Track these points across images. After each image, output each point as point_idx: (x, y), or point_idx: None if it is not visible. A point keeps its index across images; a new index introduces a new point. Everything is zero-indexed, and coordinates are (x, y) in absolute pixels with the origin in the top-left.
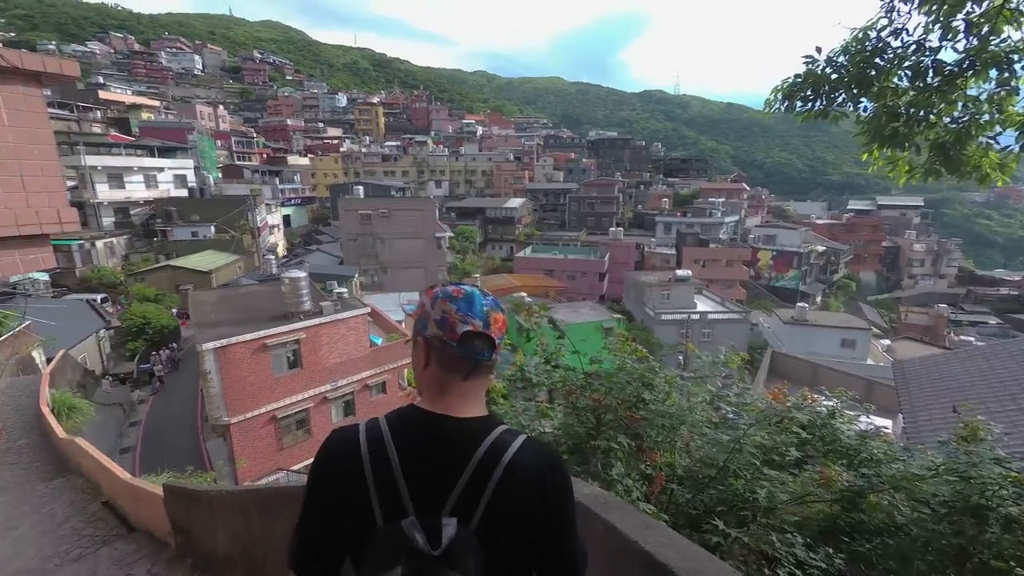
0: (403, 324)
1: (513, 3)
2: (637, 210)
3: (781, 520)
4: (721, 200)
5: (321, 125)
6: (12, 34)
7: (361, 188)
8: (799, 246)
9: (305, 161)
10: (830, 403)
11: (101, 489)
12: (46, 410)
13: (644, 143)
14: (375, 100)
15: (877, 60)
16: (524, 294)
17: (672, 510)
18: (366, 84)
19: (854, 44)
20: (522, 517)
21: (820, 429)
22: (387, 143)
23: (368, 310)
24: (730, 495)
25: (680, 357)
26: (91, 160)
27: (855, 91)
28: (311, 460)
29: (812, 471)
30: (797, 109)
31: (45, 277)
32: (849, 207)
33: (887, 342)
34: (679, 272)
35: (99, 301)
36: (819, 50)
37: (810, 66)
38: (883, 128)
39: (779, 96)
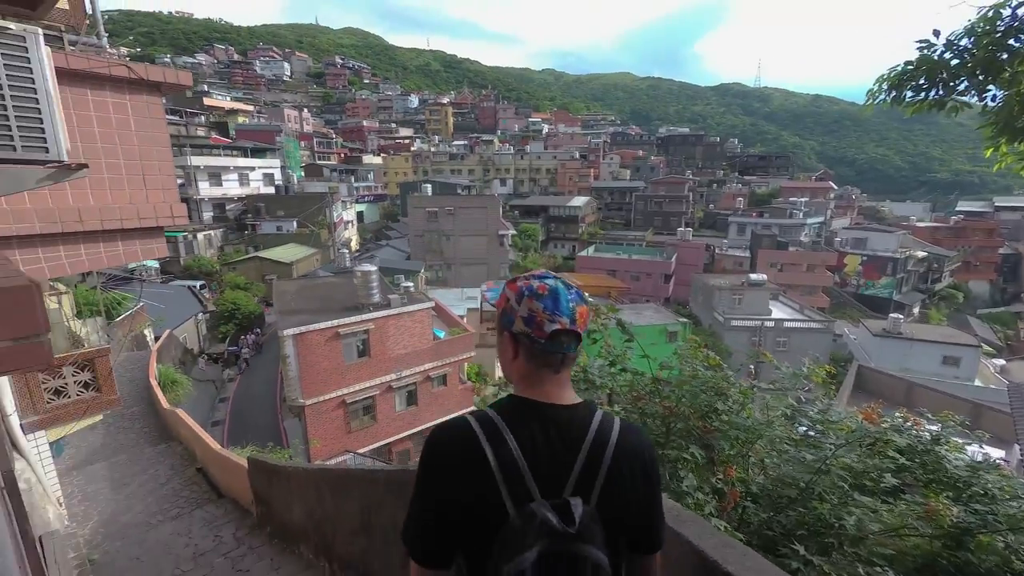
0: (464, 319)
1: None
2: (708, 210)
3: (870, 552)
4: (804, 200)
5: (394, 126)
6: (137, 49)
7: (429, 186)
8: (894, 251)
9: (378, 160)
10: (933, 427)
11: (196, 457)
12: (154, 383)
13: (718, 139)
14: (445, 101)
15: (1011, 42)
16: (586, 294)
17: (745, 529)
18: (437, 85)
19: (982, 24)
20: (629, 493)
21: (922, 456)
22: (455, 142)
23: (432, 304)
24: (812, 519)
25: (751, 367)
26: (195, 160)
27: (981, 78)
28: (420, 452)
29: (912, 501)
30: (907, 99)
31: (156, 265)
32: (958, 208)
33: (1001, 362)
34: (753, 276)
35: (198, 287)
36: (937, 33)
37: (925, 51)
38: (1016, 119)
39: (885, 86)
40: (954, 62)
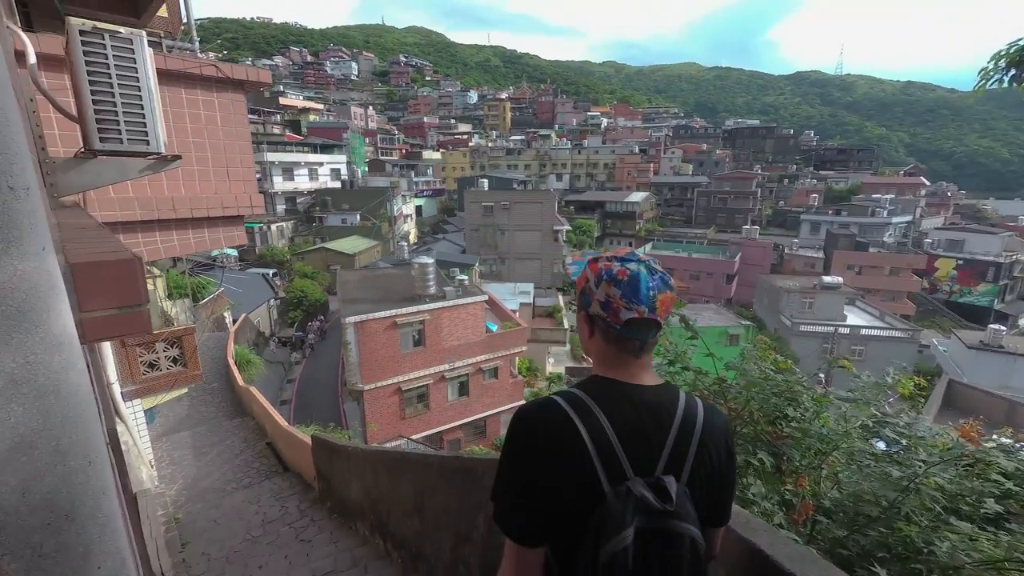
0: (517, 314)
1: None
2: (778, 207)
3: None
4: (888, 197)
5: (453, 121)
6: (223, 52)
7: (485, 181)
8: (997, 254)
9: (437, 155)
10: None
11: (266, 432)
12: (231, 361)
13: (792, 131)
14: (503, 96)
15: None
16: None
17: (816, 546)
18: (496, 80)
19: None
20: (715, 471)
21: None
22: (512, 137)
23: (486, 298)
24: (897, 541)
25: (820, 375)
26: (270, 156)
27: None
28: (506, 439)
29: (1019, 532)
30: None
31: (235, 253)
32: None
33: None
34: (826, 278)
35: (271, 275)
36: None
37: None
38: None
39: (1002, 63)
40: None
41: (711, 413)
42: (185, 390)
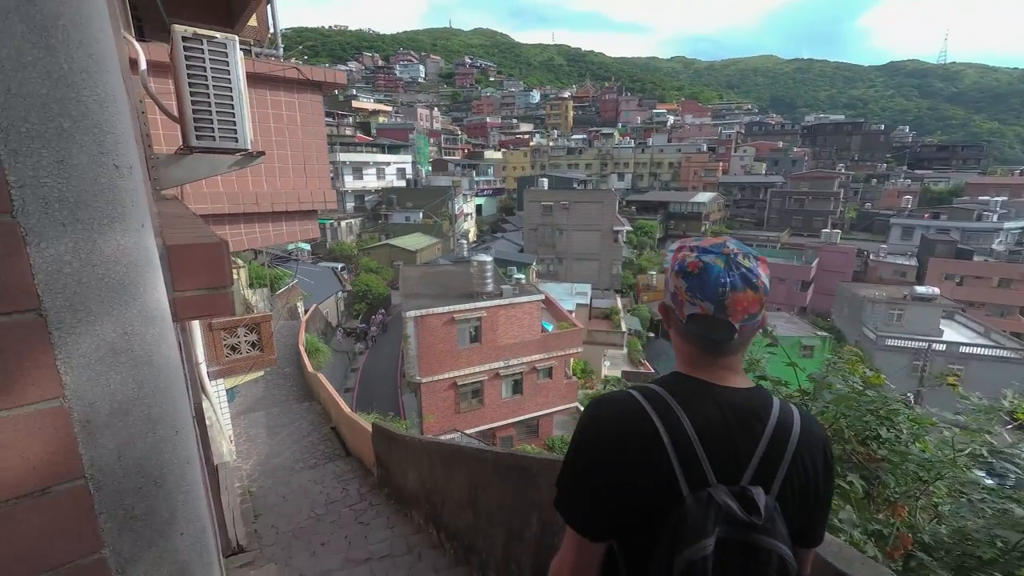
0: (573, 314)
1: None
2: (863, 209)
3: None
4: (1000, 199)
5: (515, 121)
6: (305, 58)
7: (545, 180)
8: None
9: (498, 155)
10: None
11: (331, 416)
12: (302, 349)
13: (882, 127)
14: (566, 95)
15: None
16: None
17: None
18: (559, 79)
19: None
20: (810, 486)
21: None
22: (573, 136)
23: (542, 297)
24: None
25: (909, 394)
26: (342, 156)
27: None
28: (579, 432)
29: None
30: None
31: (307, 247)
32: None
33: None
34: (920, 288)
35: (339, 269)
36: None
37: None
38: None
39: None
40: None
41: (809, 423)
42: (261, 373)
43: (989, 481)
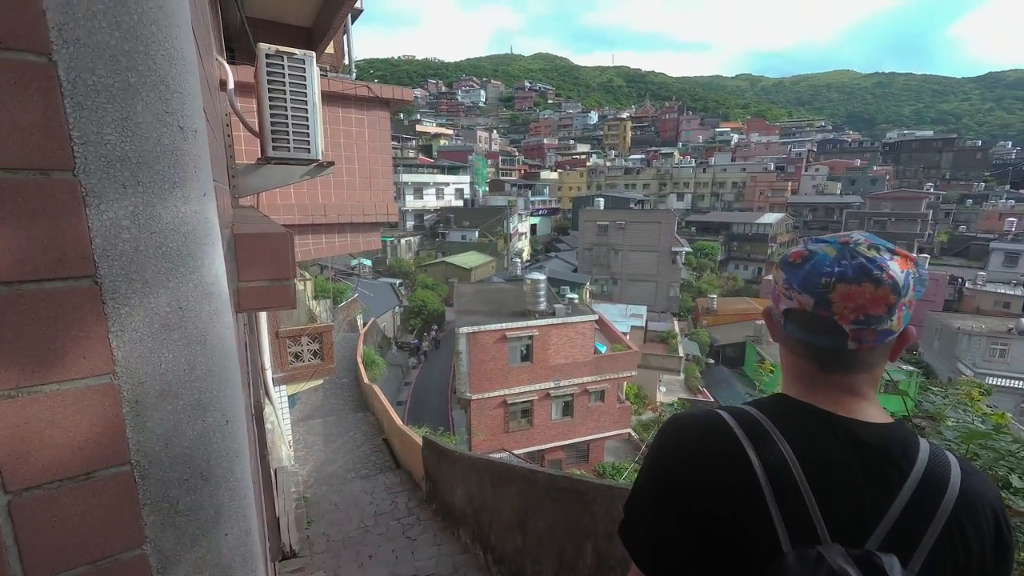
0: (628, 336)
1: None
2: (957, 232)
3: None
4: None
5: (572, 142)
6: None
7: (601, 200)
8: None
9: (554, 176)
10: None
11: (383, 428)
12: (360, 360)
13: (979, 143)
14: (624, 115)
15: None
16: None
17: None
18: (618, 100)
19: None
20: (972, 565)
21: None
22: (632, 156)
23: (596, 318)
24: None
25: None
26: (405, 177)
27: None
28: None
29: None
30: None
31: (369, 263)
32: None
33: None
34: None
35: (397, 285)
36: None
37: None
38: None
39: None
40: None
41: (975, 480)
42: (321, 381)
43: None
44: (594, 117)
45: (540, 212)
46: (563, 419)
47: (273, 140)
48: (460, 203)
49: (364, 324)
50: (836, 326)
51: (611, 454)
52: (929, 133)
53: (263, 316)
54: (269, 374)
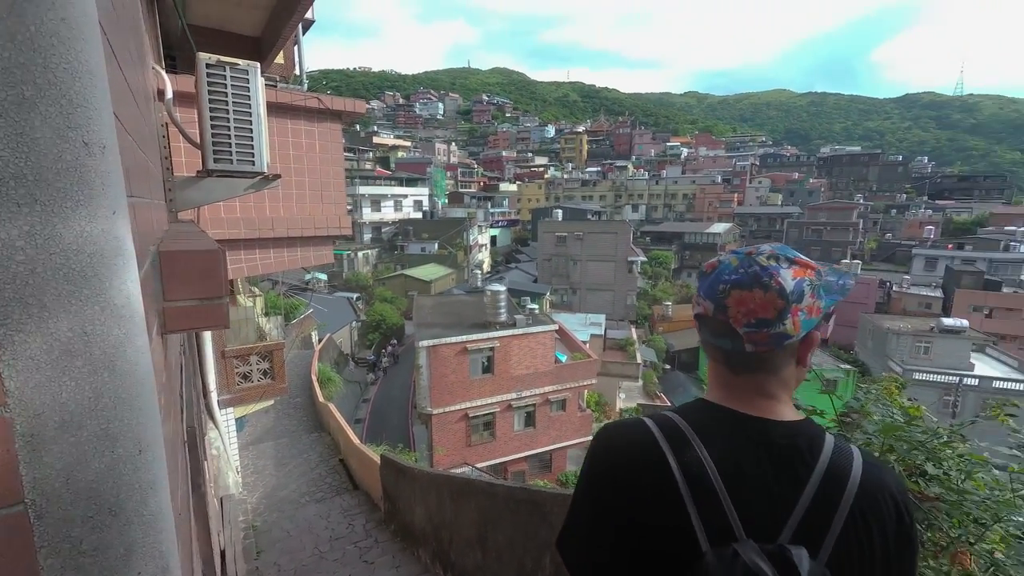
0: (587, 345)
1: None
2: (884, 240)
3: None
4: None
5: (530, 155)
6: (329, 93)
7: (560, 211)
8: None
9: (513, 188)
10: None
11: (339, 448)
12: (315, 378)
13: (900, 158)
14: (580, 129)
15: None
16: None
17: None
18: (574, 115)
19: None
20: (877, 553)
21: None
22: (588, 169)
23: (556, 327)
24: None
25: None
26: (362, 189)
27: None
28: (588, 462)
29: None
30: None
31: (324, 277)
32: None
33: None
34: (947, 320)
35: (354, 299)
36: None
37: None
38: None
39: None
40: None
41: (875, 471)
42: (271, 402)
43: None
44: (551, 131)
45: (500, 224)
46: (525, 430)
47: (215, 152)
48: (419, 215)
49: (320, 340)
50: (732, 329)
51: (573, 463)
52: (857, 149)
53: (207, 336)
54: (214, 396)
